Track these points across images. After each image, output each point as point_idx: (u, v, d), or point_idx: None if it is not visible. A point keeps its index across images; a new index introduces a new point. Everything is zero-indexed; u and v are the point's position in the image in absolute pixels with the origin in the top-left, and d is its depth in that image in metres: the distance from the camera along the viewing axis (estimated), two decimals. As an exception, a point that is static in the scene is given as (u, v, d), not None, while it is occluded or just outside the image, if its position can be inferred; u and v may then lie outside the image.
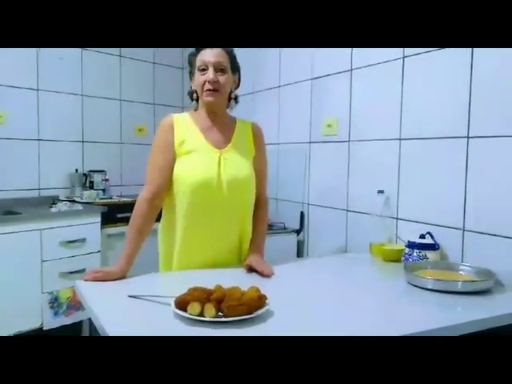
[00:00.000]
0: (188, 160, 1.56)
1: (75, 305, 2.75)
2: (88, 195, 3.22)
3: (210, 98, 1.56)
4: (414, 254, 1.72)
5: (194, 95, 1.63)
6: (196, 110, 1.65)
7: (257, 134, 1.70)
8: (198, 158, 1.56)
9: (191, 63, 1.62)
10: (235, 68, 1.63)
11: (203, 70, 1.55)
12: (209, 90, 1.54)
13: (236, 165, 1.58)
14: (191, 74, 1.63)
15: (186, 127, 1.60)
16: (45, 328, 2.67)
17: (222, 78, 1.55)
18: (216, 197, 1.54)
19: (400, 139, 1.99)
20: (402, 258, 1.77)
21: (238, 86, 1.67)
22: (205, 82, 1.54)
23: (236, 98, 1.66)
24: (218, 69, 1.55)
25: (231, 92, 1.63)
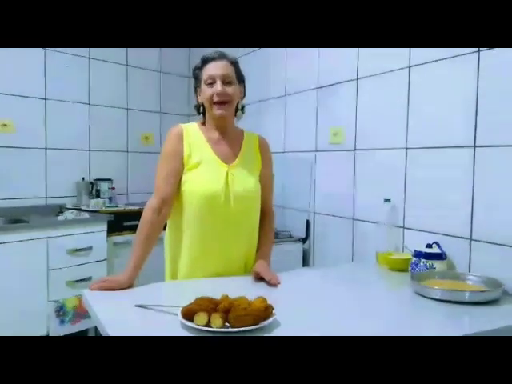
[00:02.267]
0: (196, 173, 1.56)
1: (81, 313, 2.75)
2: (94, 203, 3.23)
3: (220, 112, 1.56)
4: (421, 264, 1.72)
5: (201, 108, 1.64)
6: (203, 123, 1.66)
7: (263, 148, 1.71)
8: (206, 171, 1.56)
9: (197, 77, 1.62)
10: (240, 79, 1.64)
11: (210, 83, 1.55)
12: (218, 102, 1.55)
13: (243, 180, 1.59)
14: (196, 88, 1.64)
15: (195, 138, 1.61)
16: (51, 336, 2.68)
17: (229, 89, 1.55)
18: (223, 211, 1.54)
19: (406, 148, 1.98)
20: (409, 268, 1.76)
21: (244, 96, 1.68)
22: (213, 94, 1.54)
23: (242, 109, 1.67)
24: (226, 81, 1.55)
25: (238, 103, 1.64)
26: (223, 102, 1.55)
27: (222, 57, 1.58)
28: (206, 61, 1.58)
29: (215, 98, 1.55)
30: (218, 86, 1.54)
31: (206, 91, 1.56)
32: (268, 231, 1.72)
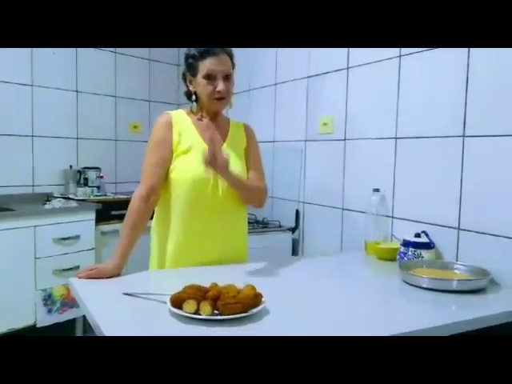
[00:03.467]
0: (185, 160, 1.56)
1: (69, 302, 2.74)
2: (82, 192, 3.21)
3: (218, 106, 1.60)
4: (409, 253, 1.73)
5: (193, 97, 1.62)
6: (195, 111, 1.64)
7: (249, 135, 1.73)
8: (194, 157, 1.54)
9: (192, 66, 1.57)
10: (233, 68, 1.62)
11: (210, 78, 1.54)
12: (218, 98, 1.56)
13: (231, 164, 1.58)
14: (189, 75, 1.60)
15: (184, 125, 1.60)
16: (38, 325, 2.66)
17: (230, 86, 1.57)
18: (211, 197, 1.55)
19: (396, 138, 1.99)
20: (397, 257, 1.78)
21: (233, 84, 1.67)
22: (214, 91, 1.54)
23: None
24: (225, 76, 1.55)
25: None
26: (223, 98, 1.56)
27: (222, 50, 1.56)
28: (206, 52, 1.53)
29: (217, 95, 1.55)
30: (221, 84, 1.53)
31: (206, 86, 1.54)
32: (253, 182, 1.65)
